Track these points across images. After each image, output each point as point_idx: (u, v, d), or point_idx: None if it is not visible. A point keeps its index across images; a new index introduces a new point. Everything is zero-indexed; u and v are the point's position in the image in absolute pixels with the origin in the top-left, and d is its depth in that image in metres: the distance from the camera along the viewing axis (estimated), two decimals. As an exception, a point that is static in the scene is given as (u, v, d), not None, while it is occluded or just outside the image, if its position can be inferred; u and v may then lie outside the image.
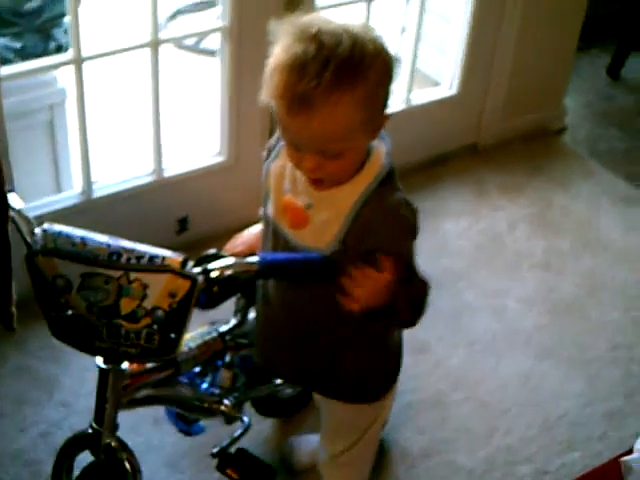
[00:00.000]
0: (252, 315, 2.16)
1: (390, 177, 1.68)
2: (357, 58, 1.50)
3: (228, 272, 1.68)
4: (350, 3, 3.23)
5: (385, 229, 1.65)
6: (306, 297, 1.80)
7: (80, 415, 2.48)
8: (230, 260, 1.71)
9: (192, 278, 1.63)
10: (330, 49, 1.48)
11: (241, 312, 2.18)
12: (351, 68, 1.49)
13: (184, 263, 1.65)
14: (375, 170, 1.66)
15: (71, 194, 2.92)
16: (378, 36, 1.57)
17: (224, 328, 2.15)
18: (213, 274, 1.67)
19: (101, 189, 2.92)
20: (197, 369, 2.15)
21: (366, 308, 1.61)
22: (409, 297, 1.68)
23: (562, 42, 3.79)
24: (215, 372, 2.19)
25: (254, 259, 1.71)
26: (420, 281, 1.72)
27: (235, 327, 2.16)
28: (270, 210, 1.78)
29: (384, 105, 1.59)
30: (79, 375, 2.64)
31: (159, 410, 2.34)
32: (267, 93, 1.55)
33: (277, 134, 1.72)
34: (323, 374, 1.93)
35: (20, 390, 2.60)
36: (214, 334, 2.13)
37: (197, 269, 1.67)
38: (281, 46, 1.53)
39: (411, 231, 1.69)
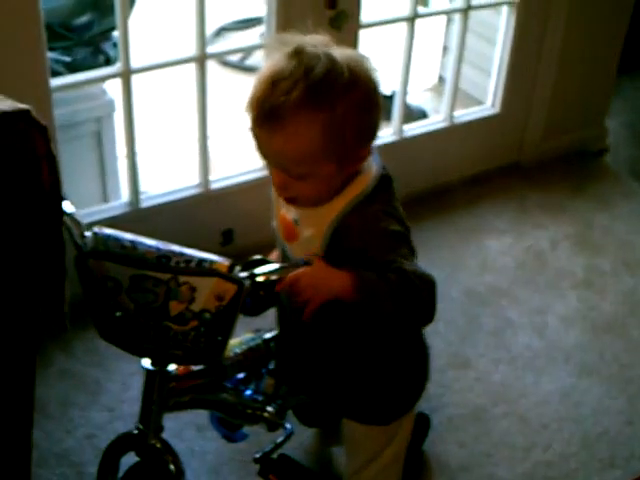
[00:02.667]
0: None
1: (371, 197, 1.67)
2: (327, 85, 1.52)
3: (274, 277, 1.71)
4: (393, 22, 3.26)
5: (357, 231, 1.64)
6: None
7: (124, 420, 2.51)
8: (276, 265, 1.74)
9: (239, 282, 1.66)
10: (305, 71, 1.51)
11: (281, 321, 2.20)
12: (318, 93, 1.51)
13: (231, 267, 1.68)
14: (355, 192, 1.66)
15: (118, 204, 2.97)
16: (368, 68, 1.59)
17: (268, 335, 2.17)
18: (259, 278, 1.70)
19: (148, 200, 2.97)
20: (241, 376, 2.18)
21: (315, 308, 1.62)
22: (388, 291, 1.60)
23: (604, 62, 3.80)
24: (259, 379, 2.21)
25: (299, 264, 1.73)
26: (407, 277, 1.61)
27: (278, 336, 2.18)
28: (274, 223, 1.83)
29: (359, 137, 1.59)
30: (122, 381, 2.68)
31: (202, 417, 2.38)
32: (245, 103, 1.59)
33: None
34: (334, 391, 1.96)
35: (66, 393, 2.64)
36: (258, 341, 2.15)
37: (244, 273, 1.70)
38: (268, 60, 1.57)
39: (385, 233, 1.64)
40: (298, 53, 1.53)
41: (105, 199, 3.12)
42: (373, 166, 1.71)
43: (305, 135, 1.53)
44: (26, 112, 1.37)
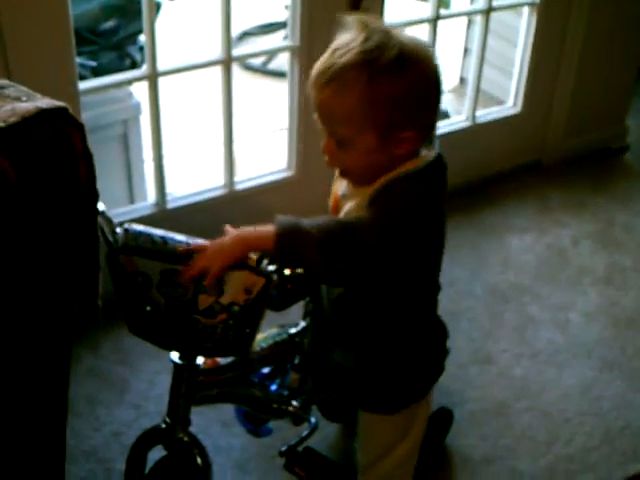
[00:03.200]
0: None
1: (410, 178, 1.69)
2: (375, 55, 1.59)
3: (301, 270, 1.75)
4: (415, 23, 3.30)
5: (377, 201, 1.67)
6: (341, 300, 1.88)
7: (150, 417, 2.55)
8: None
9: (267, 275, 1.71)
10: (361, 41, 1.59)
11: (310, 315, 2.24)
12: (366, 60, 1.58)
13: (259, 261, 1.72)
14: (399, 171, 1.70)
15: (145, 205, 3.02)
16: (424, 54, 1.64)
17: (293, 330, 2.21)
18: (287, 271, 1.74)
19: (174, 201, 3.02)
20: (266, 370, 2.21)
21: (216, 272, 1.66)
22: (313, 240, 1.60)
23: (624, 62, 3.83)
24: (284, 374, 2.25)
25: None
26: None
27: (304, 330, 2.22)
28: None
29: (401, 116, 1.63)
30: (148, 379, 2.72)
31: (227, 413, 2.42)
32: None
33: None
34: (348, 379, 2.00)
35: (93, 391, 2.68)
36: (284, 336, 2.19)
37: (272, 267, 1.73)
38: (341, 35, 1.65)
39: (388, 208, 1.65)
40: (363, 26, 1.62)
41: (132, 200, 3.17)
42: (429, 155, 1.74)
43: (346, 95, 1.60)
44: (64, 109, 1.42)
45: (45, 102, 1.43)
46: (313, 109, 1.68)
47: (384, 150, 1.66)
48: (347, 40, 1.62)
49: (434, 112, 1.70)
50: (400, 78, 1.60)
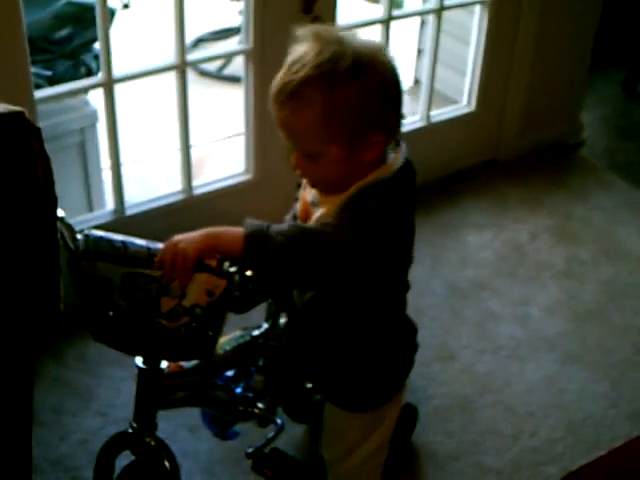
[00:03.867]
0: (282, 320, 2.23)
1: (380, 189, 1.71)
2: (331, 66, 1.60)
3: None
4: (368, 24, 3.31)
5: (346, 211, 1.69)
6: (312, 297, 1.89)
7: (117, 424, 2.52)
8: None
9: (229, 276, 1.71)
10: (315, 53, 1.61)
11: (272, 317, 2.25)
12: (322, 73, 1.60)
13: (221, 262, 1.72)
14: (369, 180, 1.72)
15: (104, 212, 3.01)
16: (380, 58, 1.66)
17: (256, 332, 2.21)
18: (248, 272, 1.75)
19: (133, 207, 3.01)
20: (230, 373, 2.22)
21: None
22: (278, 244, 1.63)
23: (576, 58, 3.88)
24: (248, 377, 2.25)
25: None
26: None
27: (267, 331, 2.23)
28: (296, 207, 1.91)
29: (364, 123, 1.64)
30: (114, 386, 2.72)
31: (194, 418, 2.41)
32: None
33: None
34: (322, 374, 2.02)
35: (58, 400, 2.67)
36: (247, 338, 2.20)
37: (233, 268, 1.74)
38: (296, 47, 1.66)
39: (358, 220, 1.67)
40: (315, 38, 1.63)
41: (90, 208, 3.16)
42: (398, 160, 1.76)
43: (306, 112, 1.62)
44: (20, 114, 1.43)
45: (1, 107, 1.43)
46: (276, 125, 1.69)
47: (352, 158, 1.68)
48: (301, 54, 1.63)
49: (397, 113, 1.71)
50: (358, 85, 1.62)
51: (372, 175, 1.72)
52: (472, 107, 3.76)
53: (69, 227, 1.80)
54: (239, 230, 1.65)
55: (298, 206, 1.89)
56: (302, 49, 1.64)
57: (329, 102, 1.60)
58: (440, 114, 3.71)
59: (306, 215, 1.83)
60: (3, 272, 1.51)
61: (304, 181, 1.85)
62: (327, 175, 1.72)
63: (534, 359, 2.91)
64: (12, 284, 1.55)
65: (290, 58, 1.65)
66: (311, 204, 1.82)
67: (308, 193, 1.84)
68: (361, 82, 1.62)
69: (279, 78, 1.65)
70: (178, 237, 1.67)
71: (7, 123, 1.41)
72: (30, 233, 1.53)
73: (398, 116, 1.72)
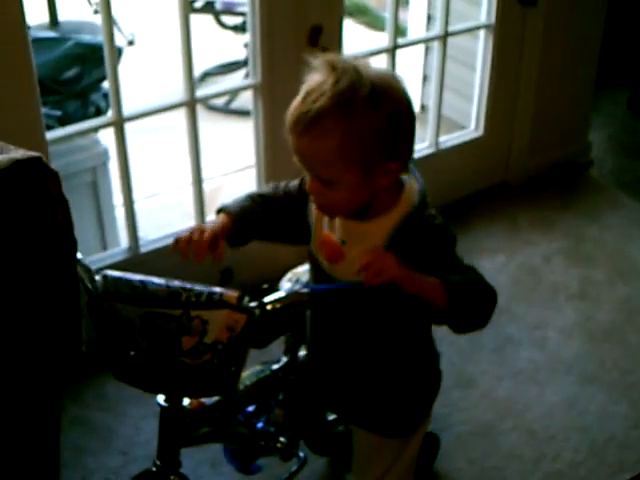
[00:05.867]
0: (302, 353, 2.23)
1: (421, 210, 1.76)
2: (349, 96, 1.60)
3: (282, 304, 1.76)
4: (375, 54, 3.33)
5: (424, 244, 1.73)
6: (350, 327, 1.89)
7: (138, 463, 2.53)
8: (283, 292, 1.79)
9: (249, 311, 1.72)
10: (332, 83, 1.61)
11: (291, 351, 2.25)
12: (340, 103, 1.60)
13: (241, 298, 1.73)
14: (405, 208, 1.75)
15: (118, 250, 3.02)
16: (396, 87, 1.67)
17: (276, 366, 2.21)
18: (269, 307, 1.75)
19: (147, 244, 3.02)
20: (251, 409, 2.22)
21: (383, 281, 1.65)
22: (473, 294, 1.73)
23: (582, 79, 3.89)
24: (269, 411, 2.25)
25: (305, 289, 1.79)
26: (475, 284, 1.76)
27: (286, 365, 2.23)
28: (312, 246, 1.88)
29: (382, 151, 1.66)
30: (134, 424, 2.72)
31: (216, 454, 2.41)
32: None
33: None
34: (362, 406, 2.00)
35: (78, 440, 2.67)
36: (267, 372, 2.20)
37: (253, 303, 1.74)
38: (310, 76, 1.67)
39: (447, 236, 1.77)
40: (331, 68, 1.63)
41: (104, 247, 3.17)
42: (414, 182, 1.79)
43: (325, 141, 1.62)
44: (38, 159, 1.44)
45: (19, 153, 1.45)
46: (292, 152, 1.69)
47: (368, 184, 1.69)
48: (318, 83, 1.63)
49: (412, 140, 1.72)
50: (376, 113, 1.62)
51: (407, 201, 1.75)
52: (480, 132, 3.77)
53: (87, 269, 1.80)
54: (430, 279, 1.68)
55: (317, 249, 1.86)
56: (318, 78, 1.64)
57: (348, 131, 1.61)
58: (448, 140, 3.73)
59: (339, 256, 1.81)
60: (26, 315, 1.51)
61: (313, 219, 1.85)
62: (343, 201, 1.72)
63: (553, 382, 2.91)
64: (35, 327, 1.56)
65: (306, 87, 1.65)
66: (342, 243, 1.80)
67: (333, 232, 1.82)
68: (378, 111, 1.63)
69: (296, 107, 1.65)
70: (387, 256, 1.66)
71: (26, 169, 1.42)
72: (51, 276, 1.54)
73: (412, 143, 1.73)
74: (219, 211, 1.92)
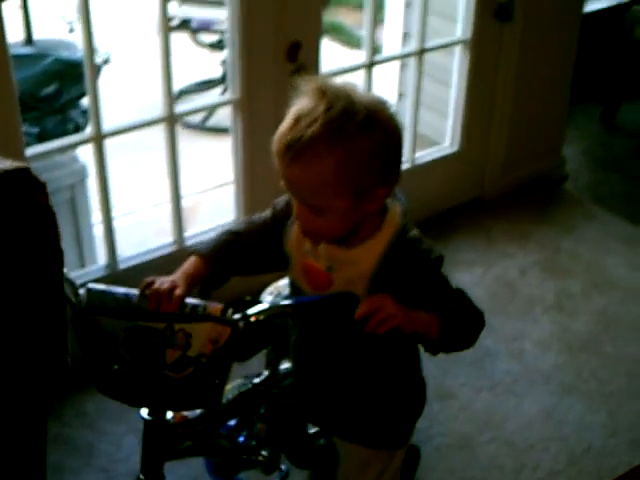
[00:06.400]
0: (283, 366, 2.24)
1: (404, 231, 1.77)
2: (342, 122, 1.59)
3: (266, 315, 1.77)
4: (352, 70, 3.35)
5: (413, 269, 1.75)
6: (335, 340, 1.90)
7: (120, 479, 2.54)
8: (266, 304, 1.79)
9: (233, 324, 1.72)
10: (324, 109, 1.60)
11: (272, 364, 2.26)
12: (333, 130, 1.59)
13: (224, 310, 1.73)
14: (391, 230, 1.76)
15: (97, 267, 3.02)
16: (387, 113, 1.67)
17: (257, 380, 2.22)
18: (252, 319, 1.76)
19: (125, 261, 3.02)
20: (233, 423, 2.22)
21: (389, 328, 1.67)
22: (465, 323, 1.79)
23: (556, 93, 3.94)
24: (251, 425, 2.26)
25: (289, 301, 1.80)
26: (463, 307, 1.80)
27: (268, 379, 2.23)
28: (292, 273, 1.88)
29: (373, 177, 1.65)
30: (115, 441, 2.71)
31: (197, 468, 2.41)
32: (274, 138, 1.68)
33: (287, 197, 1.83)
34: (351, 419, 2.01)
35: (59, 458, 2.65)
36: (249, 386, 2.20)
37: (237, 315, 1.75)
38: (298, 100, 1.66)
39: (434, 259, 1.78)
40: (322, 93, 1.62)
41: (82, 264, 3.17)
42: (397, 204, 1.79)
43: (318, 168, 1.61)
44: (26, 170, 1.44)
45: (7, 164, 1.45)
46: (280, 178, 1.68)
47: (359, 210, 1.69)
48: (309, 108, 1.61)
49: (399, 165, 1.72)
50: (369, 140, 1.62)
51: (390, 225, 1.76)
52: (455, 147, 3.80)
53: (71, 282, 1.80)
54: (424, 315, 1.71)
55: (298, 277, 1.86)
56: (308, 103, 1.62)
57: (341, 158, 1.60)
58: (424, 155, 3.75)
59: (326, 283, 1.80)
60: (13, 327, 1.52)
61: (290, 245, 1.84)
62: (330, 227, 1.71)
63: (531, 393, 2.93)
64: (22, 339, 1.56)
65: (295, 112, 1.63)
66: (328, 270, 1.79)
67: (317, 260, 1.80)
68: (371, 137, 1.62)
69: (285, 133, 1.63)
70: (391, 302, 1.67)
71: (14, 179, 1.43)
72: (38, 289, 1.54)
73: (400, 167, 1.73)
74: (193, 254, 1.89)
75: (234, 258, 1.89)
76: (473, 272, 3.50)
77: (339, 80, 1.72)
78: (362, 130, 1.61)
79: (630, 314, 3.29)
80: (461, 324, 1.77)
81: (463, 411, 2.87)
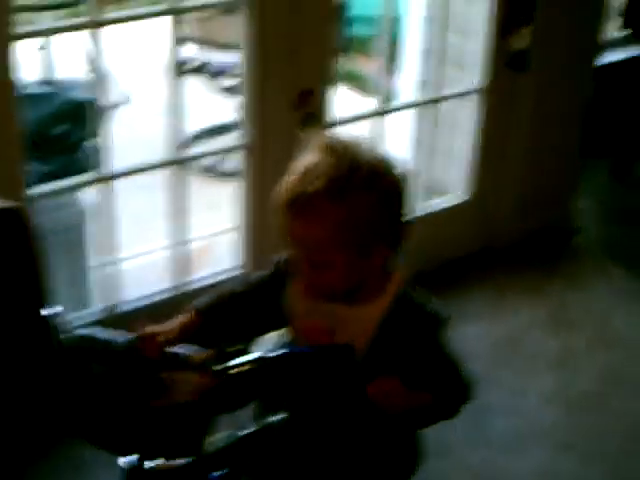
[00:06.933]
0: (271, 420, 2.21)
1: (409, 294, 1.79)
2: (346, 180, 1.61)
3: (251, 366, 1.75)
4: (365, 117, 3.36)
5: (414, 335, 1.75)
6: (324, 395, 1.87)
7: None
8: (252, 355, 1.77)
9: (217, 374, 1.71)
10: (329, 165, 1.62)
11: (260, 418, 2.23)
12: (337, 187, 1.61)
13: (209, 360, 1.73)
14: (395, 290, 1.77)
15: (94, 310, 3.00)
16: (391, 170, 1.69)
17: (244, 432, 2.19)
18: (233, 370, 1.74)
19: (124, 305, 3.01)
20: (218, 474, 2.20)
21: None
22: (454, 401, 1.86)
23: (568, 146, 3.93)
24: (236, 479, 2.23)
25: (275, 352, 1.79)
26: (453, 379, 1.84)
27: (255, 432, 2.20)
28: (291, 333, 1.88)
29: (375, 234, 1.67)
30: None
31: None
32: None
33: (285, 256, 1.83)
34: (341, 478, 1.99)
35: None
36: (235, 438, 2.17)
37: (219, 366, 1.74)
38: (306, 154, 1.68)
39: (441, 325, 1.80)
40: (329, 149, 1.65)
41: (80, 306, 3.13)
42: (401, 265, 1.80)
43: (321, 224, 1.63)
44: (16, 210, 1.44)
45: (-1, 203, 1.45)
46: (284, 232, 1.68)
47: (362, 265, 1.70)
48: (315, 164, 1.63)
49: (402, 224, 1.73)
50: (372, 197, 1.63)
51: (395, 285, 1.77)
52: (467, 196, 3.78)
53: (57, 324, 1.80)
54: (423, 397, 1.74)
55: (297, 337, 1.86)
56: (314, 158, 1.65)
57: (344, 215, 1.62)
58: (434, 204, 3.74)
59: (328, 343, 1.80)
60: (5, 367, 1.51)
61: (289, 300, 1.84)
62: (334, 281, 1.71)
63: (530, 450, 2.90)
64: (5, 380, 1.56)
65: (302, 167, 1.65)
66: (330, 330, 1.78)
67: (319, 320, 1.80)
68: (374, 195, 1.64)
69: (291, 187, 1.65)
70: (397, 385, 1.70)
71: (2, 218, 1.43)
72: (23, 328, 1.54)
73: (403, 227, 1.74)
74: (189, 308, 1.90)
75: (229, 316, 1.90)
76: (480, 325, 3.46)
77: (348, 133, 1.74)
78: (365, 188, 1.63)
79: (635, 372, 3.25)
80: (449, 400, 1.82)
81: (460, 467, 2.83)
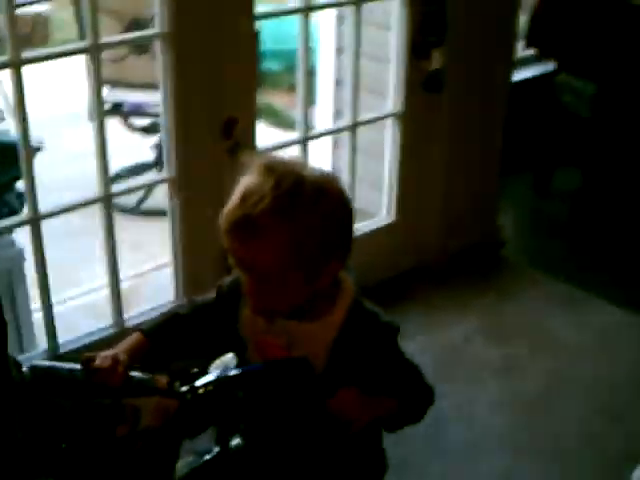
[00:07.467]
0: (234, 442, 2.19)
1: (359, 303, 1.77)
2: (291, 199, 1.59)
3: (214, 386, 1.73)
4: (287, 146, 3.38)
5: (372, 344, 1.74)
6: (288, 411, 1.86)
7: None
8: (214, 375, 1.76)
9: (181, 396, 1.69)
10: (272, 186, 1.59)
11: (222, 440, 2.20)
12: (283, 206, 1.58)
13: (171, 383, 1.70)
14: (347, 302, 1.75)
15: (37, 352, 2.96)
16: (336, 187, 1.67)
17: (208, 457, 2.17)
18: (200, 390, 1.72)
19: (66, 345, 2.97)
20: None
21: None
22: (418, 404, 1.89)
23: (487, 163, 4.01)
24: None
25: (237, 371, 1.77)
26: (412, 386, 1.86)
27: (218, 455, 2.18)
28: (248, 353, 1.83)
29: (324, 251, 1.64)
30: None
31: None
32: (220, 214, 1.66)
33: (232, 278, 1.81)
34: None
35: None
36: (199, 462, 2.14)
37: (184, 387, 1.71)
38: (245, 177, 1.65)
39: (395, 334, 1.79)
40: (269, 170, 1.61)
41: (21, 349, 3.09)
42: (348, 276, 1.78)
43: (267, 245, 1.59)
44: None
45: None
46: (229, 253, 1.66)
47: (311, 283, 1.68)
48: (256, 185, 1.60)
49: (350, 239, 1.72)
50: (319, 215, 1.61)
51: (346, 297, 1.75)
52: (392, 217, 3.81)
53: (13, 359, 1.76)
54: (386, 401, 1.78)
55: (256, 354, 1.82)
56: (255, 180, 1.61)
57: (292, 234, 1.59)
58: (361, 227, 3.75)
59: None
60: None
61: (244, 322, 1.82)
62: (282, 301, 1.70)
63: (486, 456, 2.93)
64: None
65: (242, 189, 1.62)
66: (288, 347, 1.77)
67: (275, 338, 1.78)
68: (320, 212, 1.61)
69: (233, 210, 1.62)
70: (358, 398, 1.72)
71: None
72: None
73: (351, 241, 1.73)
74: (135, 331, 1.88)
75: (176, 338, 1.88)
76: (418, 340, 3.46)
77: (286, 156, 1.72)
78: (310, 207, 1.60)
79: (576, 373, 3.31)
80: (415, 404, 1.85)
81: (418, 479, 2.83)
